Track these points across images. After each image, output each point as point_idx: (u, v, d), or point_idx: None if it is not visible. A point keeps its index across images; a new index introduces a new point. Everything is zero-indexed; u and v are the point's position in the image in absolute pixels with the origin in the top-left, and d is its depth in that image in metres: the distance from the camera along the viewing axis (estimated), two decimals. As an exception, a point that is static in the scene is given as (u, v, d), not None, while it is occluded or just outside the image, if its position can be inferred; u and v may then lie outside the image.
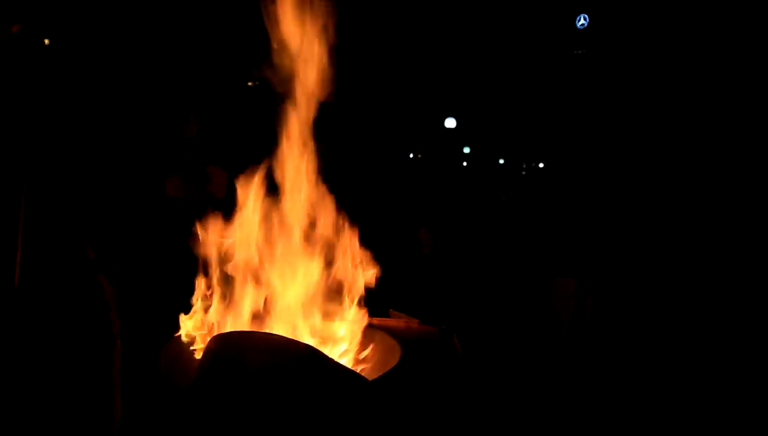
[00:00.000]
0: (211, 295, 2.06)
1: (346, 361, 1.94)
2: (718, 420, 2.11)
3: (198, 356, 1.93)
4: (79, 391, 0.84)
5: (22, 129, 0.84)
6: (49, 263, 0.81)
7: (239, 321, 1.98)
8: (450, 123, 19.34)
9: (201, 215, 2.02)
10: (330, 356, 1.78)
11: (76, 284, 0.84)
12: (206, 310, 2.06)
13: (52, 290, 0.80)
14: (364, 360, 1.99)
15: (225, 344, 1.67)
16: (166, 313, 2.04)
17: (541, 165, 17.65)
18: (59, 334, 0.80)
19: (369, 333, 2.06)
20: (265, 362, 1.61)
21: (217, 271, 2.04)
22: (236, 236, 2.03)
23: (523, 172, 18.32)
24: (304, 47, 1.98)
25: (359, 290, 2.09)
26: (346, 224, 2.10)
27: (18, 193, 0.80)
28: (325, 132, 2.07)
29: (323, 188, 2.07)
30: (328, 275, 2.06)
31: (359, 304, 2.07)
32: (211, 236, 2.03)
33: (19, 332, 0.76)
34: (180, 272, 2.08)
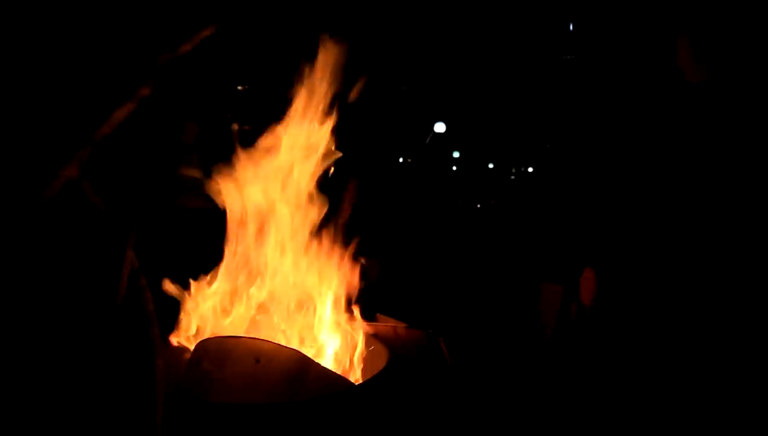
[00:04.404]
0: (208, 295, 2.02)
1: (333, 366, 1.94)
2: (718, 421, 2.11)
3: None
4: (120, 399, 0.84)
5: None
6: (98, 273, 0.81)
7: (229, 325, 1.97)
8: (439, 127, 19.40)
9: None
10: (317, 360, 1.79)
11: (123, 294, 0.84)
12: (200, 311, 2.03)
13: (99, 299, 0.80)
14: (350, 364, 1.99)
15: (209, 351, 1.67)
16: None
17: (530, 169, 17.74)
18: (103, 343, 0.80)
19: (356, 337, 2.06)
20: (251, 369, 1.61)
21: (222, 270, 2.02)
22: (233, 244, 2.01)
23: (513, 177, 18.42)
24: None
25: (347, 295, 2.09)
26: (340, 228, 2.10)
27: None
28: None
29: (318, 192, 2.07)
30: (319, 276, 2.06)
31: (348, 308, 2.07)
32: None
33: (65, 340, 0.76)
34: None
